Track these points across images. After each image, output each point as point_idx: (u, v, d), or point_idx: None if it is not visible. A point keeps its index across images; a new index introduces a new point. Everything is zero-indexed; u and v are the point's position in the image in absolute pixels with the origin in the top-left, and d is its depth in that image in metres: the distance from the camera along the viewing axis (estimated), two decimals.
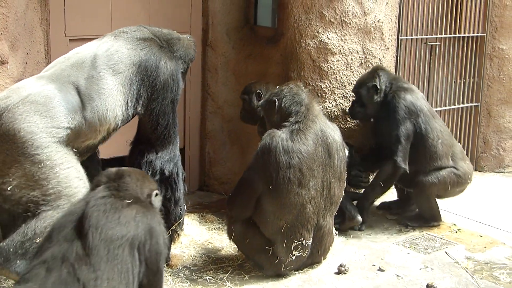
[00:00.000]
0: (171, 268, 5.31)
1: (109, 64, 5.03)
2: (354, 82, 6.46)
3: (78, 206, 3.60)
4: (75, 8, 6.30)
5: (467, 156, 7.97)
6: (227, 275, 5.22)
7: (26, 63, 5.71)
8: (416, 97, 6.25)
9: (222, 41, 7.13)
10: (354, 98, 6.42)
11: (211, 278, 5.19)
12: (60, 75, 4.92)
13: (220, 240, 5.91)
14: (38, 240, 4.39)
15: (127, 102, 5.06)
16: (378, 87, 6.22)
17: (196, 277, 5.22)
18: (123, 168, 3.94)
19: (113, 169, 3.90)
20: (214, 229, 6.20)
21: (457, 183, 6.35)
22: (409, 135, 6.13)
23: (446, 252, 5.81)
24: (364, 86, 6.28)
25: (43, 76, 4.92)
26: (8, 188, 4.57)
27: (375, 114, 6.32)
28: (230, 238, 5.36)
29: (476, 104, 8.10)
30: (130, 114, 5.13)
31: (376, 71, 6.33)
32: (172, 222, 5.36)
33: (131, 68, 5.08)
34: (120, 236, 3.41)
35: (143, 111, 5.17)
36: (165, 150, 5.32)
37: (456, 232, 6.29)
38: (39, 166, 4.57)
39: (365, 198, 6.32)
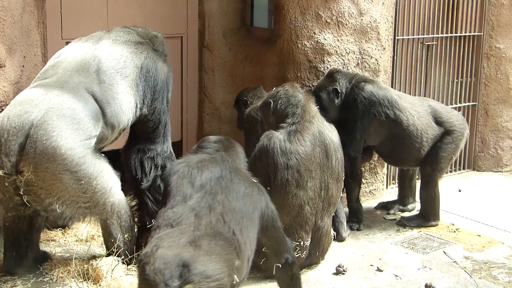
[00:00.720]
0: None
1: (117, 68, 5.16)
2: None
3: (212, 167, 4.05)
4: (71, 11, 6.32)
5: (465, 155, 8.02)
6: None
7: (23, 66, 5.71)
8: (378, 87, 6.16)
9: (218, 42, 7.14)
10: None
11: None
12: (68, 82, 4.97)
13: None
14: None
15: (137, 104, 5.28)
16: (339, 90, 6.12)
17: None
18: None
19: (226, 138, 4.47)
20: None
21: (456, 145, 6.36)
22: (366, 129, 6.09)
23: (444, 251, 5.81)
24: (324, 90, 6.14)
25: (49, 84, 4.91)
26: (53, 207, 4.74)
27: (336, 117, 6.11)
28: None
29: (473, 103, 8.11)
30: (138, 115, 5.32)
31: (332, 75, 6.20)
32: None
33: (135, 71, 5.25)
34: (251, 206, 3.99)
35: (147, 111, 5.36)
36: (164, 146, 5.53)
37: (454, 231, 6.29)
38: (80, 182, 4.76)
39: (349, 200, 6.36)
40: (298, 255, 5.13)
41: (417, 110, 6.25)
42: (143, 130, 5.43)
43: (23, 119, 4.66)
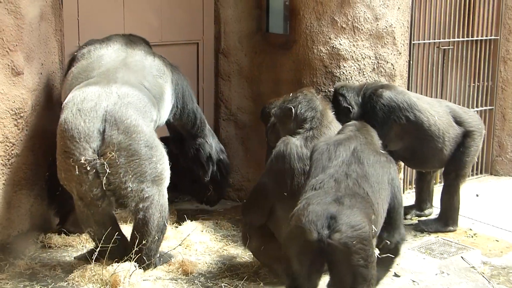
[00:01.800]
0: (186, 275, 5.32)
1: (154, 74, 5.71)
2: None
3: (346, 143, 4.67)
4: (88, 18, 6.36)
5: (482, 159, 7.99)
6: (242, 282, 5.22)
7: (41, 73, 5.76)
8: (396, 91, 6.11)
9: (234, 48, 7.16)
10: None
11: (226, 285, 5.19)
12: (120, 78, 5.36)
13: (235, 247, 5.92)
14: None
15: (174, 102, 5.95)
16: (350, 107, 6.07)
17: (212, 284, 5.23)
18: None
19: (360, 122, 5.11)
20: (229, 236, 6.21)
21: (477, 146, 6.36)
22: (386, 135, 5.94)
23: (462, 257, 5.79)
24: (337, 111, 5.85)
25: (102, 82, 5.29)
26: (128, 185, 5.06)
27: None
28: (245, 245, 5.37)
29: (490, 107, 8.08)
30: (174, 112, 6.02)
31: (338, 92, 6.15)
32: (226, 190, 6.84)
33: (169, 76, 5.87)
34: (381, 172, 4.58)
35: (179, 112, 6.05)
36: (209, 135, 6.46)
37: (472, 236, 6.27)
38: (149, 162, 5.12)
39: None
40: None
41: (437, 110, 6.23)
42: (184, 131, 6.02)
43: (96, 108, 5.03)
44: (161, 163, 5.23)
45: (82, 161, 4.92)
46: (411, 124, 6.09)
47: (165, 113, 5.82)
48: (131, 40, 5.94)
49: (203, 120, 6.38)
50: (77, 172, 4.95)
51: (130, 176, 5.04)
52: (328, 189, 4.37)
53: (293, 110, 5.27)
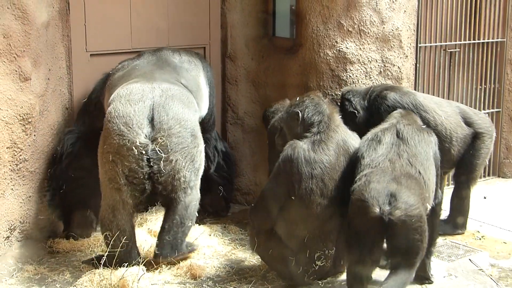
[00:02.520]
0: (194, 279, 5.33)
1: (186, 68, 6.08)
2: None
3: (392, 129, 5.12)
4: (95, 24, 6.38)
5: (490, 161, 7.98)
6: (250, 285, 5.24)
7: (48, 79, 5.78)
8: (401, 93, 6.10)
9: (241, 52, 7.17)
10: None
11: None
12: (159, 77, 5.68)
13: (243, 251, 5.93)
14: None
15: (211, 105, 6.38)
16: (355, 111, 6.07)
17: (220, 287, 5.26)
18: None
19: (405, 110, 5.56)
20: (236, 239, 6.22)
21: (488, 149, 6.34)
22: None
23: (470, 259, 5.79)
24: (344, 116, 5.84)
25: (143, 81, 5.56)
26: (179, 174, 5.29)
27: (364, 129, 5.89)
28: (253, 249, 5.37)
29: (497, 110, 8.07)
30: (211, 106, 6.38)
31: (344, 97, 6.14)
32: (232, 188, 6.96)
33: (200, 67, 6.24)
34: (427, 148, 5.05)
35: (208, 109, 6.31)
36: (215, 131, 6.71)
37: (480, 239, 6.26)
38: (196, 150, 5.39)
39: None
40: (323, 263, 5.14)
41: (444, 110, 6.21)
42: (201, 122, 6.01)
43: (143, 99, 5.32)
44: (202, 153, 5.53)
45: (137, 143, 5.14)
46: None
47: (204, 105, 6.12)
48: (157, 49, 6.27)
49: (215, 115, 6.71)
50: (135, 151, 5.14)
51: (180, 162, 5.27)
52: (384, 168, 4.82)
53: (300, 114, 5.28)
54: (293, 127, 5.35)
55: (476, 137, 6.24)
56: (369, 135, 5.15)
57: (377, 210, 4.48)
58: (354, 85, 6.37)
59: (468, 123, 6.27)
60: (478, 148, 6.24)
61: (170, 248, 5.35)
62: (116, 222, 5.30)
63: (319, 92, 5.95)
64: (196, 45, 6.94)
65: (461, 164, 6.27)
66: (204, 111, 6.16)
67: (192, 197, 5.45)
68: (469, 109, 6.54)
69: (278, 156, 5.22)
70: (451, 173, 6.63)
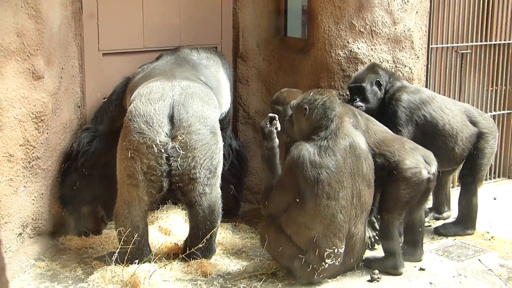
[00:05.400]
0: (205, 277, 5.36)
1: (205, 64, 6.18)
2: None
3: None
4: (108, 23, 6.42)
5: (500, 163, 7.97)
6: (260, 283, 5.26)
7: (61, 77, 5.83)
8: (410, 92, 6.15)
9: (253, 52, 7.20)
10: (351, 96, 6.25)
11: (245, 286, 5.22)
12: (179, 75, 5.76)
13: (253, 249, 5.96)
14: None
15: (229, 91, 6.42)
16: (382, 83, 6.15)
17: (230, 285, 5.26)
18: None
19: None
20: (247, 238, 6.25)
21: (492, 149, 6.35)
22: (411, 135, 6.07)
23: (479, 259, 5.79)
24: (367, 81, 6.14)
25: (163, 79, 5.63)
26: (196, 171, 5.35)
27: (375, 111, 6.15)
28: (263, 247, 5.39)
29: (508, 111, 8.06)
30: (230, 102, 6.48)
31: (374, 68, 6.23)
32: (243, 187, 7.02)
33: (219, 63, 6.37)
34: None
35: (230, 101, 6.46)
36: (229, 129, 6.74)
37: (489, 239, 6.26)
38: (216, 147, 5.47)
39: None
40: (332, 262, 5.16)
41: (451, 109, 6.23)
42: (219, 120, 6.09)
43: (163, 98, 5.39)
44: (221, 150, 5.60)
45: (158, 142, 5.21)
46: (427, 122, 6.12)
47: (225, 101, 6.20)
48: (175, 49, 6.40)
49: (232, 113, 6.73)
50: (154, 149, 5.20)
51: (201, 160, 5.34)
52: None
53: (306, 111, 5.22)
54: (299, 119, 5.29)
55: (480, 137, 6.25)
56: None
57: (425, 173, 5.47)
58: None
59: (473, 122, 6.29)
60: (482, 148, 6.25)
61: (208, 251, 5.61)
62: (130, 218, 5.36)
63: (334, 91, 5.88)
64: (207, 45, 6.97)
65: (466, 165, 6.28)
66: (225, 107, 6.24)
67: (216, 197, 5.56)
68: (474, 108, 6.55)
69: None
70: (457, 175, 6.66)
